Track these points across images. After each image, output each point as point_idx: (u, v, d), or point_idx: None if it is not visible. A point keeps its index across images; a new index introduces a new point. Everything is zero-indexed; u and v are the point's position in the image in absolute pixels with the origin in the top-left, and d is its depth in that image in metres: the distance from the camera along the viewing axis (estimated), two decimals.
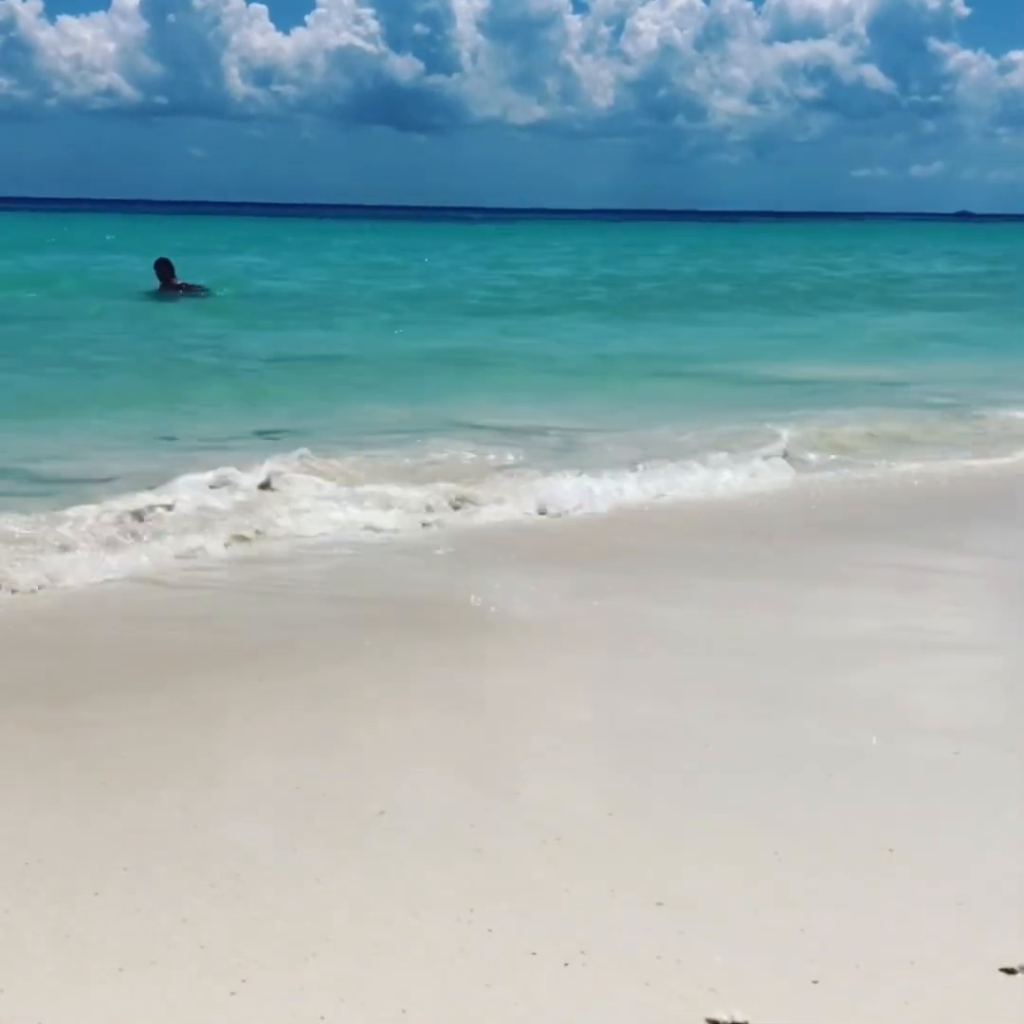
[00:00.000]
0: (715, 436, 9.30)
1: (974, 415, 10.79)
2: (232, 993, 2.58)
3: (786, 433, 9.21)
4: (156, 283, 20.08)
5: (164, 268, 19.99)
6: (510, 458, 8.40)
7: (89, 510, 6.36)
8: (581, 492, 7.46)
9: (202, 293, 20.22)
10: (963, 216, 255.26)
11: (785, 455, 8.76)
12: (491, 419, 10.19)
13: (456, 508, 7.15)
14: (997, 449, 9.45)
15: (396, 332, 17.72)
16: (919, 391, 12.35)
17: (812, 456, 8.93)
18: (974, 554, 6.51)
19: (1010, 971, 2.70)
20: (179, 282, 20.05)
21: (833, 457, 8.96)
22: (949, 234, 73.08)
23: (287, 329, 17.75)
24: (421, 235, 56.83)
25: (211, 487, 7.05)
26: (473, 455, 8.45)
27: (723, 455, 8.56)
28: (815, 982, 2.65)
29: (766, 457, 8.64)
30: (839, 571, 6.09)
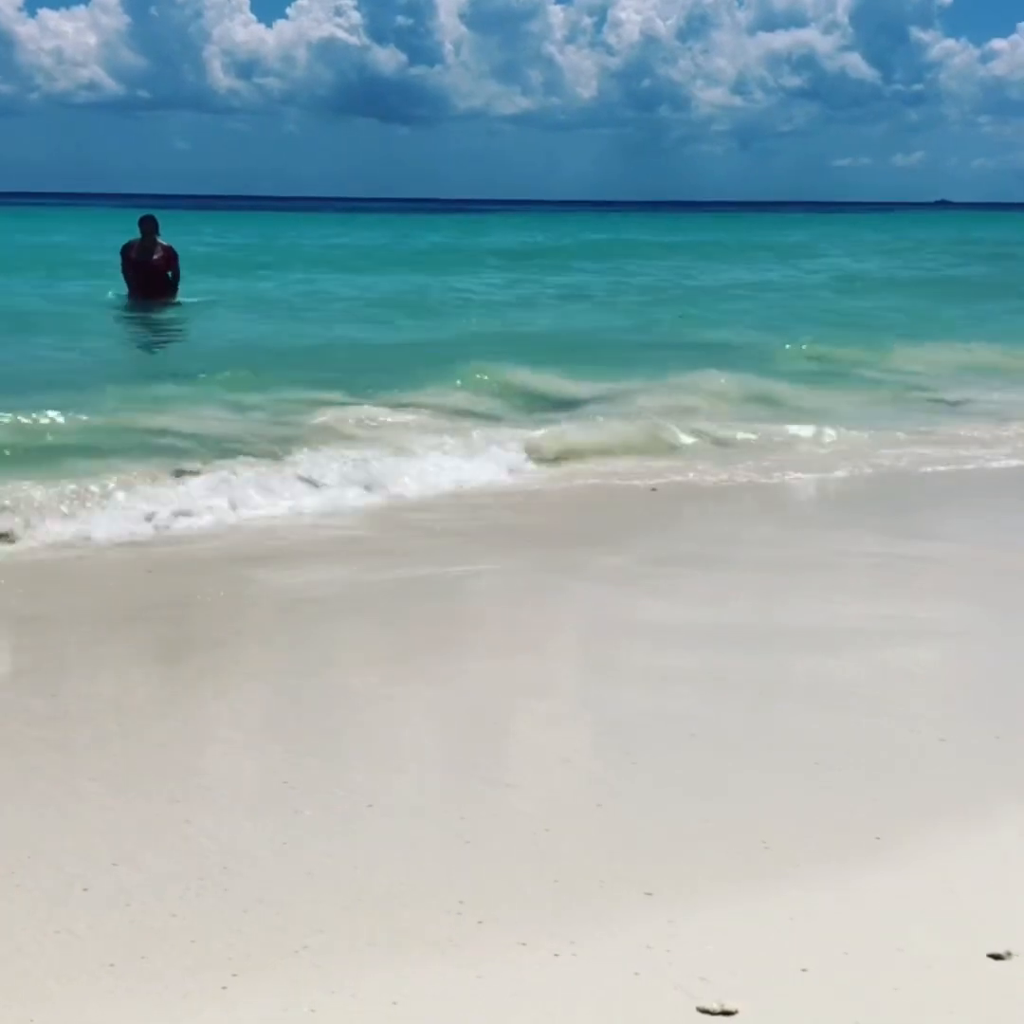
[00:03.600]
0: None
1: None
2: (223, 987, 2.58)
3: None
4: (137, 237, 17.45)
5: (148, 224, 17.49)
6: None
7: None
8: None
9: (173, 302, 17.85)
10: (942, 205, 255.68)
11: None
12: None
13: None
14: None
15: None
16: None
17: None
18: (953, 542, 6.54)
19: (998, 957, 2.71)
20: (164, 243, 17.55)
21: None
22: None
23: None
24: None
25: None
26: None
27: None
28: (804, 970, 2.67)
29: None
30: (821, 560, 6.11)
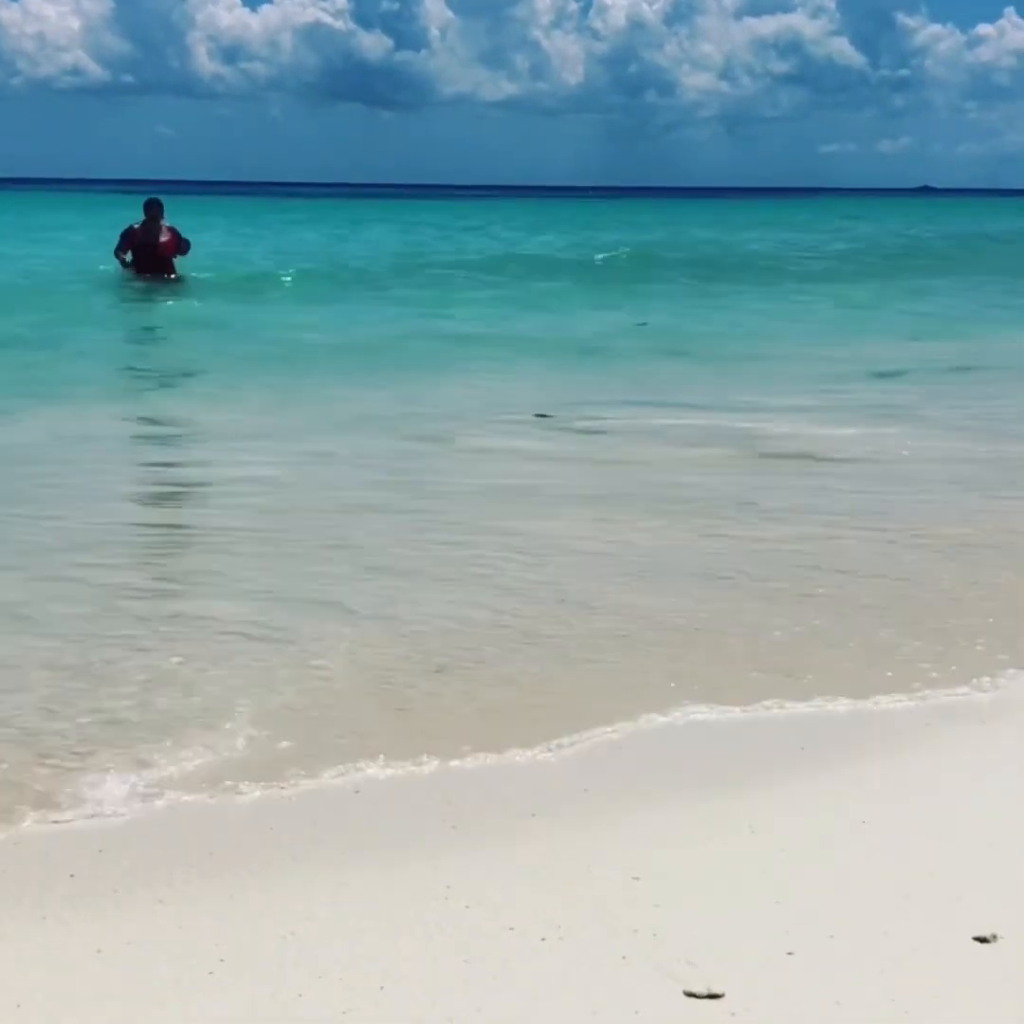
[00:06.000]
0: None
1: None
2: (210, 973, 2.59)
3: None
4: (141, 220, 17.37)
5: (154, 208, 17.25)
6: None
7: None
8: None
9: (174, 278, 17.77)
10: (925, 191, 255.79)
11: None
12: None
13: None
14: None
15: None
16: None
17: None
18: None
19: (983, 940, 2.73)
20: (168, 226, 17.45)
21: None
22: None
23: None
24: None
25: None
26: None
27: None
28: (790, 954, 2.67)
29: None
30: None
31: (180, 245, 17.65)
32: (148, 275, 17.52)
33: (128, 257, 17.51)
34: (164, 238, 17.47)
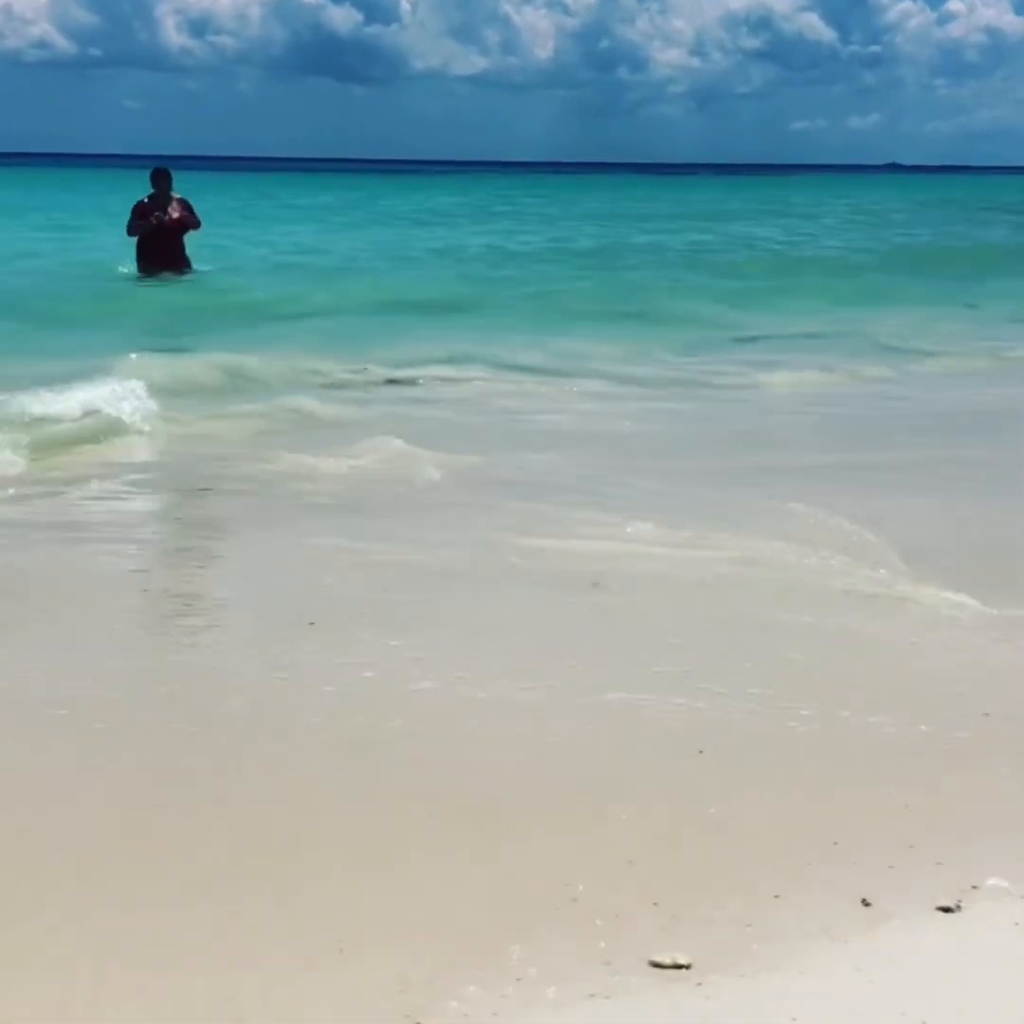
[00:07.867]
0: None
1: None
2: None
3: None
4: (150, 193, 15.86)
5: (162, 179, 15.77)
6: None
7: None
8: None
9: (188, 272, 16.35)
10: (892, 167, 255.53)
11: None
12: None
13: None
14: None
15: None
16: None
17: None
18: None
19: (948, 909, 2.79)
20: (178, 197, 15.82)
21: None
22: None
23: None
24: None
25: None
26: None
27: None
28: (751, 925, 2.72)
29: None
30: None
31: (190, 220, 16.01)
32: (155, 267, 16.05)
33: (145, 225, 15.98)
34: (174, 213, 15.83)
